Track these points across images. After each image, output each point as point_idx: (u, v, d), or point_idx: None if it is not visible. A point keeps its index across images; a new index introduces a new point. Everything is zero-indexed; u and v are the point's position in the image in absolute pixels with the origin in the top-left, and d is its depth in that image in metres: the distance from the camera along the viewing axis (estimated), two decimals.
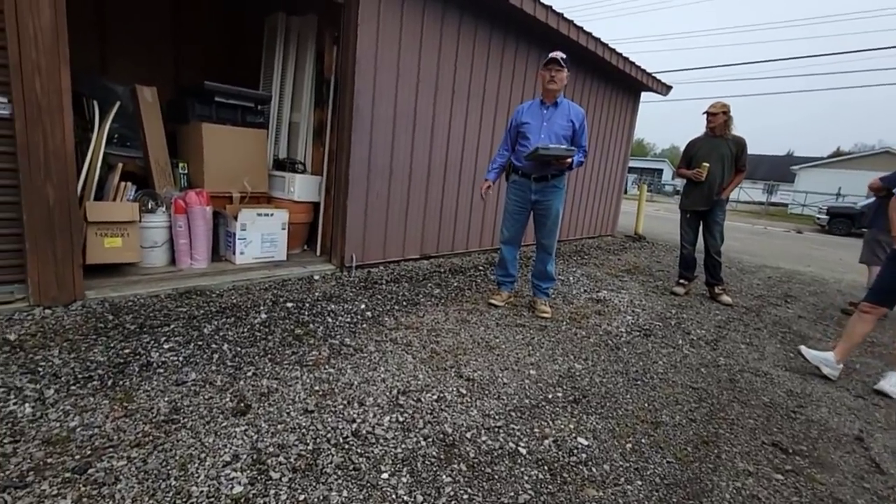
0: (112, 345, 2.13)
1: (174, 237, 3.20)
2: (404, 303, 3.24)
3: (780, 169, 32.63)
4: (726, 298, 4.31)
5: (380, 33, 3.50)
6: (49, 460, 1.41)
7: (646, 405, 2.21)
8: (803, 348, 2.91)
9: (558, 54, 2.98)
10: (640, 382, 2.45)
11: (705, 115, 4.10)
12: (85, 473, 1.37)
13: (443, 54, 4.04)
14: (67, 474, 1.36)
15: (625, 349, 2.88)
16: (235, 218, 3.39)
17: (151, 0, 4.87)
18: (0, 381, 1.77)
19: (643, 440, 1.91)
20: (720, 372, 2.72)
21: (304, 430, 1.70)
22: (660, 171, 45.68)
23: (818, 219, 15.83)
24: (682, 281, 4.45)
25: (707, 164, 3.98)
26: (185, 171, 3.64)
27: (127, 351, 2.10)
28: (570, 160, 2.99)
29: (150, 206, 3.13)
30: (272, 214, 3.57)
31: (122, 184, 2.95)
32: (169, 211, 3.17)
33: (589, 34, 5.18)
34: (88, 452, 1.46)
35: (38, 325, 2.21)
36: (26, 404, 1.65)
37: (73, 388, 1.78)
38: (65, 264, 2.38)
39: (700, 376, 2.62)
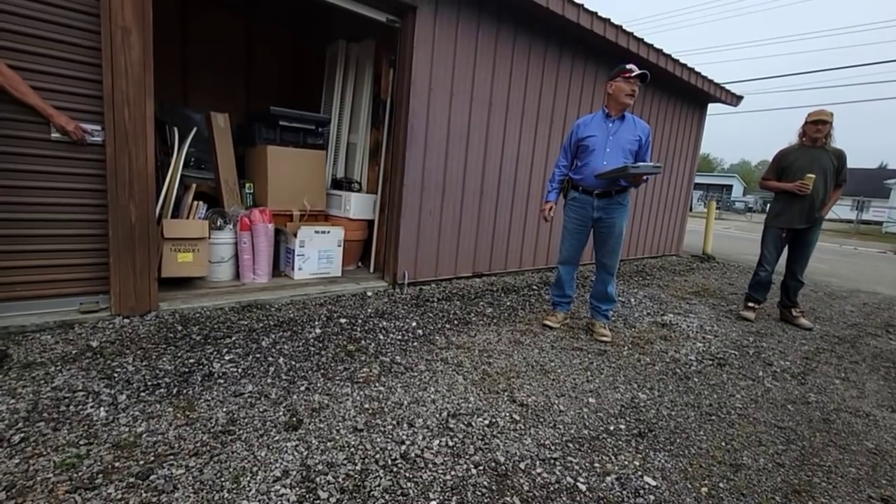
0: (179, 354, 2.25)
1: (239, 253, 3.37)
2: (456, 322, 3.18)
3: (872, 183, 29.49)
4: (805, 322, 3.90)
5: (434, 55, 3.56)
6: (116, 464, 1.48)
7: (723, 444, 1.98)
8: None
9: (644, 71, 2.86)
10: (714, 418, 2.21)
11: (810, 124, 3.67)
12: (147, 479, 1.42)
13: (497, 72, 4.04)
14: (131, 479, 1.42)
15: (695, 379, 2.63)
16: (295, 235, 3.52)
17: (229, 38, 5.32)
18: (82, 384, 1.90)
19: (721, 484, 1.70)
20: (811, 410, 2.40)
21: (352, 450, 1.67)
22: (729, 188, 42.99)
23: None
24: (751, 304, 4.06)
25: (812, 175, 3.56)
26: (251, 191, 3.86)
27: (192, 361, 2.20)
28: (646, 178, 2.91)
29: (218, 224, 3.33)
30: (329, 232, 3.68)
31: (195, 203, 3.16)
32: (235, 228, 3.36)
33: (650, 45, 4.99)
34: (151, 458, 1.52)
35: (117, 334, 2.38)
36: (101, 408, 1.76)
37: (142, 394, 1.88)
38: (143, 277, 2.57)
39: (787, 414, 2.33)
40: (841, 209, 24.52)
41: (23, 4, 2.13)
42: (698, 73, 5.93)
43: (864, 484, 1.80)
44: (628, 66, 2.87)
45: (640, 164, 2.83)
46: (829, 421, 2.29)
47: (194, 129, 3.46)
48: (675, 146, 6.54)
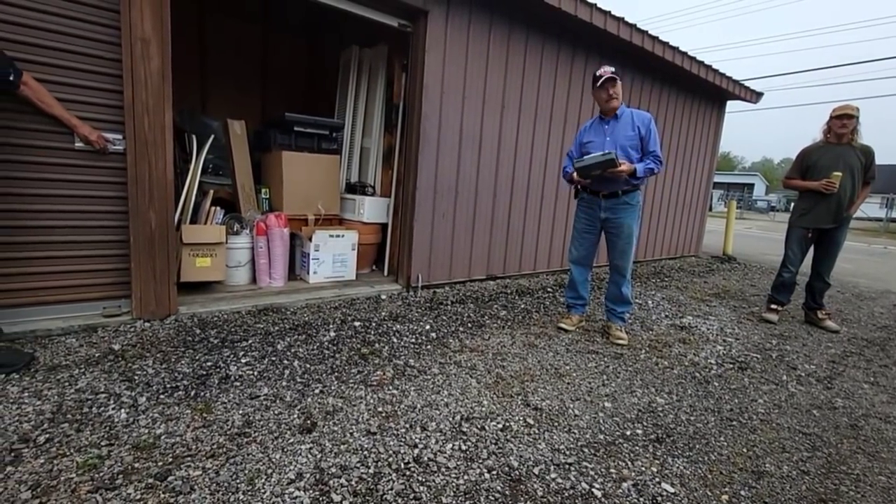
0: (197, 357, 2.29)
1: (255, 257, 3.43)
2: (469, 324, 3.17)
3: None
4: (832, 324, 3.78)
5: (446, 57, 3.57)
6: (136, 465, 1.51)
7: (744, 450, 1.93)
8: None
9: (607, 71, 2.83)
10: (735, 423, 2.15)
11: (835, 119, 3.54)
12: (165, 480, 1.45)
13: (509, 73, 4.03)
14: (150, 480, 1.45)
15: (716, 383, 2.57)
16: (310, 239, 3.56)
17: (245, 46, 5.43)
18: (104, 387, 1.95)
19: (742, 492, 1.65)
20: (838, 416, 2.32)
21: (366, 453, 1.67)
22: (751, 186, 42.01)
23: None
24: (774, 306, 3.94)
25: (839, 174, 3.46)
26: (267, 196, 3.93)
27: (209, 364, 2.24)
28: (623, 167, 2.74)
29: (235, 229, 3.39)
30: (343, 235, 3.71)
31: (212, 208, 3.23)
32: (252, 233, 3.41)
33: (665, 43, 4.91)
34: (170, 460, 1.55)
35: (137, 337, 2.44)
36: (122, 410, 1.80)
37: (161, 396, 1.92)
38: (162, 282, 2.63)
39: (812, 419, 2.25)
40: (869, 207, 23.67)
41: (48, 20, 2.21)
42: (716, 70, 5.81)
43: (895, 494, 1.72)
44: (597, 74, 2.86)
45: (585, 157, 2.82)
46: (857, 427, 2.21)
47: (212, 137, 3.55)
48: (692, 144, 6.42)
